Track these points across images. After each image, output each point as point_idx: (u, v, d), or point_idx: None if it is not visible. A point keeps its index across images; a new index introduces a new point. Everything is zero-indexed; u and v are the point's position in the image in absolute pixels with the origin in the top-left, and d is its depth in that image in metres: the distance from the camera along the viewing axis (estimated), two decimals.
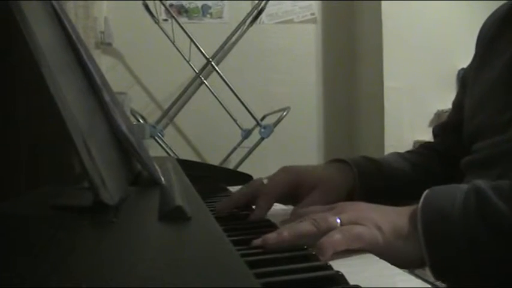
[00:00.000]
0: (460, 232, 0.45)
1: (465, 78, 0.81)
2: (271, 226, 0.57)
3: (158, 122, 2.51)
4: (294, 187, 0.67)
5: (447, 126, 0.86)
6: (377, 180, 0.73)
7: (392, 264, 0.43)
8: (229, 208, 0.65)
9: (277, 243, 0.46)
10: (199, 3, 2.83)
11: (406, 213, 0.50)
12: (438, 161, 0.81)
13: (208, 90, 2.60)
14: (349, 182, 0.71)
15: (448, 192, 0.49)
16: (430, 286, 0.36)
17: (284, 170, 0.69)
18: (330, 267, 0.39)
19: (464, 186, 0.49)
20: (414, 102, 2.54)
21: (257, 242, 0.46)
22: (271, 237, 0.46)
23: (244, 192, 0.67)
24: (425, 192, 0.50)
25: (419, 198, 0.50)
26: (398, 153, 0.83)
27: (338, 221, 0.48)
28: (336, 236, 0.46)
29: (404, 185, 0.75)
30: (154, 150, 2.38)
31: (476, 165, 0.68)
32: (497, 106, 0.66)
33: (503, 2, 0.76)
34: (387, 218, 0.49)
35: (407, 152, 0.85)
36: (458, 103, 0.82)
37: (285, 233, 0.47)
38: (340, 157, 0.75)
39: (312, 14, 2.91)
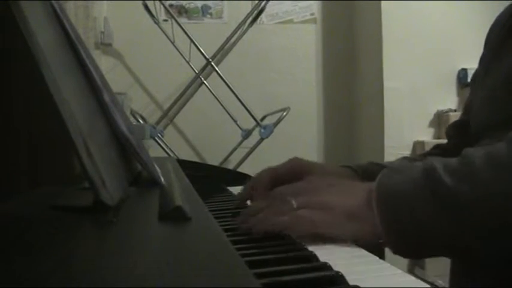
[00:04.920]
0: (408, 209, 0.47)
1: (474, 80, 0.82)
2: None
3: (158, 122, 2.51)
4: (296, 177, 0.69)
5: (460, 126, 0.86)
6: None
7: (345, 239, 0.48)
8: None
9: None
10: (199, 3, 2.83)
11: (363, 193, 0.52)
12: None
13: (208, 90, 2.60)
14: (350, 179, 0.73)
15: (403, 171, 0.52)
16: (429, 286, 0.36)
17: (291, 160, 0.73)
18: (330, 268, 0.39)
19: (419, 165, 0.51)
20: (414, 102, 2.54)
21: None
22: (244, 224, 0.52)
23: (247, 188, 0.72)
24: (381, 173, 0.53)
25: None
26: (407, 157, 0.84)
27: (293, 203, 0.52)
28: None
29: None
30: (154, 151, 2.38)
31: None
32: (495, 108, 0.68)
33: (504, 2, 0.76)
34: (342, 199, 0.52)
35: (418, 155, 0.86)
36: (469, 103, 0.83)
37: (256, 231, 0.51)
38: (340, 158, 0.77)
39: (312, 14, 2.91)
